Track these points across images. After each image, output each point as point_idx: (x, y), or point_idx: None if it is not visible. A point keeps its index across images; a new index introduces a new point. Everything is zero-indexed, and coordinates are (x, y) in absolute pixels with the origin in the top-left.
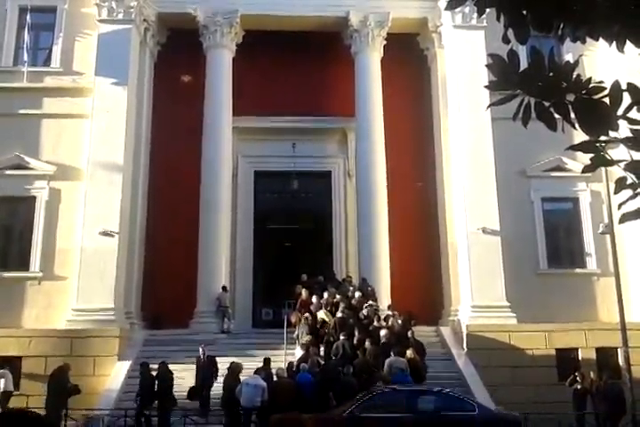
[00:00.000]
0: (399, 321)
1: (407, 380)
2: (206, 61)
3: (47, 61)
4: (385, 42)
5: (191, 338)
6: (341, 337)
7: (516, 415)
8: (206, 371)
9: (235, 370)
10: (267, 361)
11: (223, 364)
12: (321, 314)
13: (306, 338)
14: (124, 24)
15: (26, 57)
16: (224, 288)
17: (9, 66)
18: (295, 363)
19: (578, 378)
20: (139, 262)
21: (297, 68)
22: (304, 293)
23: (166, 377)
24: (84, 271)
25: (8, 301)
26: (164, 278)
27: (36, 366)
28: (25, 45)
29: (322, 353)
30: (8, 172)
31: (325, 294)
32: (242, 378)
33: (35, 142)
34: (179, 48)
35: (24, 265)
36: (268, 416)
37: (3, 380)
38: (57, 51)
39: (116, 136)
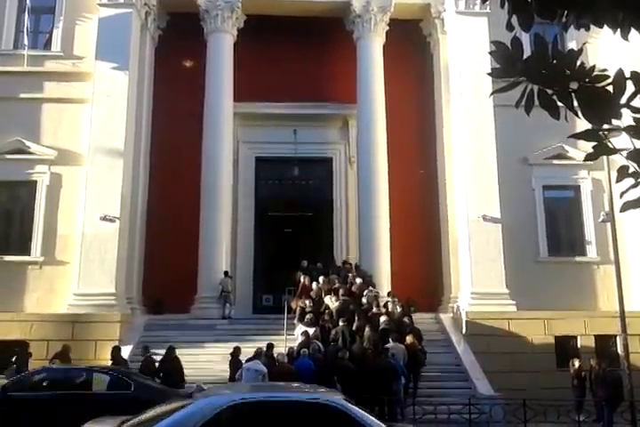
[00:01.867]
0: (398, 307)
1: (399, 365)
2: (207, 46)
3: (47, 45)
4: (387, 28)
5: (192, 323)
6: (340, 323)
7: (175, 392)
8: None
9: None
10: (269, 346)
11: (225, 349)
12: (327, 300)
13: (308, 317)
14: (125, 8)
15: (26, 40)
16: (226, 273)
17: (9, 49)
18: (295, 348)
19: (575, 363)
20: (139, 248)
21: (299, 53)
22: (304, 279)
23: (172, 364)
24: (84, 256)
25: (10, 285)
26: (164, 264)
27: (38, 350)
28: (25, 29)
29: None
30: (9, 156)
31: (321, 280)
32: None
33: (35, 127)
34: (180, 33)
35: (25, 250)
36: None
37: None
38: (57, 34)
39: (116, 121)
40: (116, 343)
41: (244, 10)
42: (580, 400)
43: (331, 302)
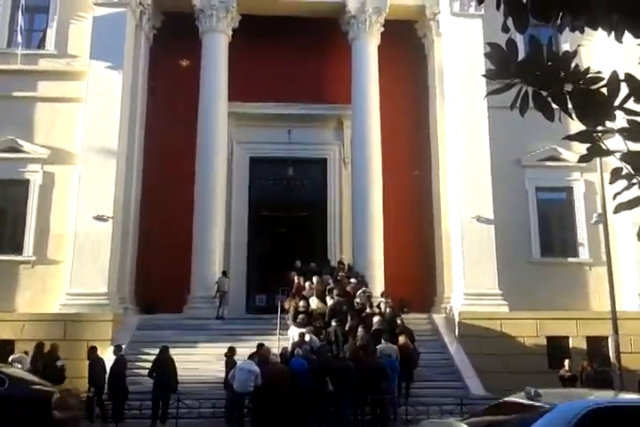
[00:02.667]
0: (388, 308)
1: (394, 365)
2: (202, 46)
3: (41, 44)
4: (382, 29)
5: (185, 323)
6: (333, 323)
7: (45, 392)
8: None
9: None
10: (260, 346)
11: (219, 349)
12: (311, 302)
13: (300, 317)
14: (120, 7)
15: (20, 39)
16: (224, 273)
17: (3, 48)
18: (289, 349)
19: (565, 365)
20: (132, 247)
21: (294, 54)
22: (298, 279)
23: (166, 364)
24: (77, 256)
25: (2, 284)
26: (157, 263)
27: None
28: (19, 27)
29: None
30: (2, 155)
31: (315, 280)
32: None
33: (29, 125)
34: (174, 32)
35: (17, 249)
36: (261, 401)
37: (19, 366)
38: (51, 33)
39: (110, 120)
40: (109, 343)
41: (239, 10)
42: None
43: (314, 303)
